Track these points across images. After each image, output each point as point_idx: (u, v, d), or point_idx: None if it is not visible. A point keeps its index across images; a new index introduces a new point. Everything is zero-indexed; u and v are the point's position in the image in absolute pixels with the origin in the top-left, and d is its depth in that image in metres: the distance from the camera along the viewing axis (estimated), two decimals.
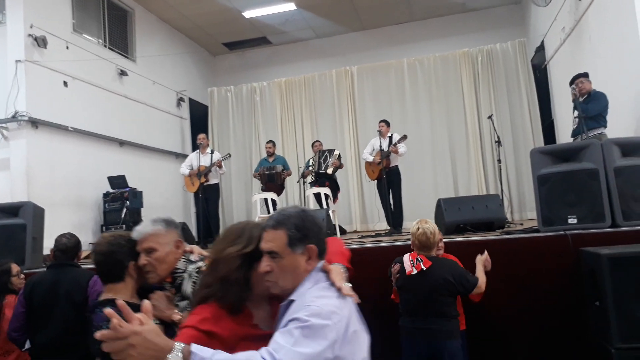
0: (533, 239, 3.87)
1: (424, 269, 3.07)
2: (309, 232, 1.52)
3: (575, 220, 3.68)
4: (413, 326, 3.09)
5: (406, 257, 3.19)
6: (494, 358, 3.78)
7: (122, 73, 8.35)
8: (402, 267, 3.17)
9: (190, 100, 10.44)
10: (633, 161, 3.68)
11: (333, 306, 1.38)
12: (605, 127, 5.22)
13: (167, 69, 9.73)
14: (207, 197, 7.29)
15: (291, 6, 9.44)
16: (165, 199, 8.99)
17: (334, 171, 7.47)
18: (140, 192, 7.67)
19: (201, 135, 7.69)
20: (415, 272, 3.08)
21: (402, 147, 6.78)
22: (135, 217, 7.35)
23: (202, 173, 7.21)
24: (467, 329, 3.39)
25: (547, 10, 7.53)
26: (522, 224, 6.25)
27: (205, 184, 7.27)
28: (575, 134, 5.51)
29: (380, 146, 6.86)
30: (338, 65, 10.09)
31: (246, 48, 11.36)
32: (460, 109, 9.12)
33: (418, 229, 3.19)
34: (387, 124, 7.14)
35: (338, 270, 1.55)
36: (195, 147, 8.59)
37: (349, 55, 10.53)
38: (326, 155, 7.49)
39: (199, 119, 10.46)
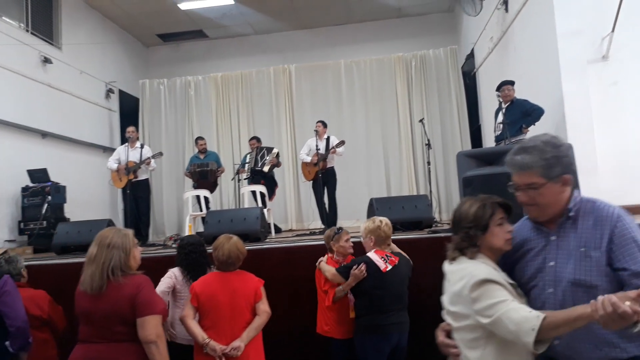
0: None
1: (397, 263, 3.16)
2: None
3: None
4: (388, 322, 3.13)
5: (374, 256, 3.20)
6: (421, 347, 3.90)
7: (46, 60, 7.86)
8: (372, 266, 3.16)
9: (121, 92, 10.01)
10: None
11: None
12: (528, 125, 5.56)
13: (95, 59, 9.27)
14: (136, 194, 6.99)
15: (229, 0, 9.29)
16: (90, 194, 8.55)
17: (271, 169, 7.43)
18: (64, 187, 7.26)
19: (130, 128, 7.37)
20: (390, 267, 3.13)
21: (340, 149, 6.89)
22: (57, 213, 6.95)
23: (130, 169, 6.92)
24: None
25: (477, 19, 7.90)
26: (449, 224, 6.51)
27: (134, 180, 6.97)
28: (498, 139, 5.82)
29: (317, 147, 6.90)
30: (276, 63, 10.05)
31: (181, 40, 11.05)
32: (394, 112, 9.37)
33: (381, 222, 3.23)
34: (324, 124, 7.20)
35: None
36: (124, 140, 8.25)
37: (287, 53, 10.52)
38: (264, 152, 7.43)
39: (130, 111, 10.05)
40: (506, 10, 7.02)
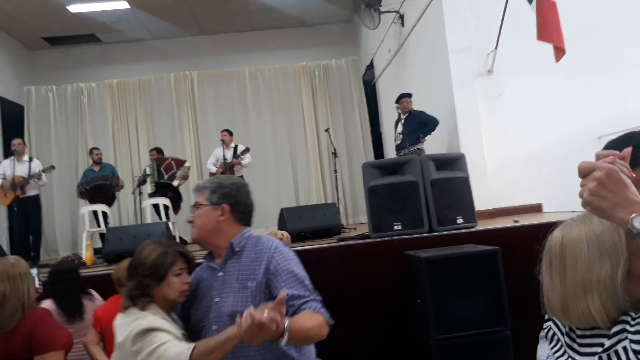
0: (364, 244, 4.17)
1: None
2: None
3: (400, 227, 4.08)
4: None
5: None
6: (326, 355, 3.98)
7: None
8: None
9: (1, 99, 9.09)
10: (445, 174, 4.22)
11: None
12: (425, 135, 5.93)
13: None
14: (25, 211, 6.41)
15: (124, 4, 8.85)
16: None
17: (180, 184, 7.17)
18: None
19: (16, 141, 6.75)
20: None
21: (246, 159, 6.83)
22: None
23: (17, 184, 6.33)
24: None
25: (376, 32, 8.27)
26: (355, 228, 6.73)
27: (22, 196, 6.39)
28: (399, 148, 6.15)
29: (224, 156, 6.81)
30: (176, 70, 9.73)
31: (71, 44, 10.29)
32: (300, 121, 9.50)
33: (282, 234, 3.26)
34: (230, 133, 7.13)
35: None
36: (7, 153, 7.52)
37: (189, 59, 10.22)
38: (171, 163, 7.10)
39: (13, 121, 9.13)
40: (402, 24, 7.43)
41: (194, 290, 1.90)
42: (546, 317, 1.15)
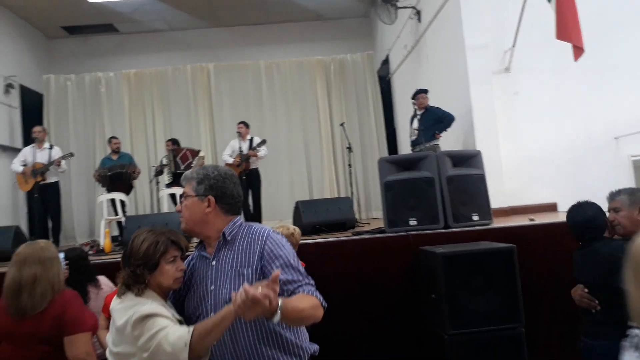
0: (380, 239, 4.21)
1: None
2: None
3: (415, 222, 4.12)
4: None
5: None
6: (339, 349, 4.05)
7: None
8: None
9: (22, 87, 9.23)
10: (461, 171, 4.26)
11: None
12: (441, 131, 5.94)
13: None
14: (45, 197, 6.54)
15: None
16: None
17: None
18: None
19: (37, 128, 6.87)
20: None
21: (262, 151, 6.90)
22: None
23: (38, 171, 6.46)
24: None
25: (392, 27, 8.26)
26: (368, 223, 6.76)
27: (42, 182, 6.53)
28: (414, 144, 6.17)
29: (240, 148, 6.88)
30: (193, 61, 9.78)
31: (89, 34, 10.40)
32: (314, 114, 9.52)
33: (295, 230, 3.30)
34: (247, 125, 7.19)
35: None
36: (27, 140, 7.65)
37: (205, 51, 10.28)
38: (186, 154, 7.20)
39: (32, 108, 9.28)
40: (419, 20, 7.43)
41: (186, 280, 1.93)
42: (632, 325, 1.11)
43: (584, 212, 2.60)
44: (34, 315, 2.32)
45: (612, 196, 2.61)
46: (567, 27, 4.65)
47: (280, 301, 1.50)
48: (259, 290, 1.43)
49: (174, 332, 1.65)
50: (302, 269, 1.84)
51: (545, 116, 5.76)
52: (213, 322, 1.62)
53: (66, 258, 2.96)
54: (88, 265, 3.18)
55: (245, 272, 1.78)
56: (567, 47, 4.67)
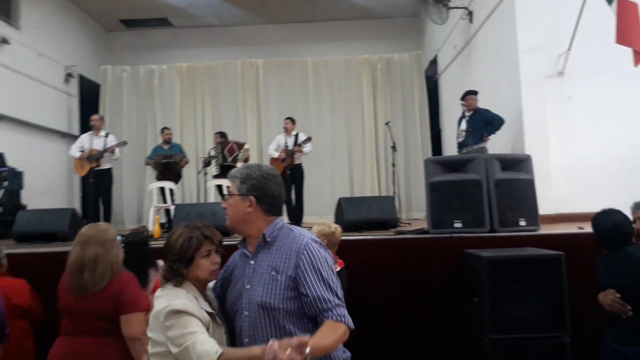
0: (423, 239, 4.21)
1: (340, 268, 3.19)
2: None
3: (460, 225, 4.10)
4: None
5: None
6: (376, 349, 4.07)
7: (4, 41, 7.53)
8: None
9: (81, 76, 9.69)
10: (510, 175, 4.20)
11: None
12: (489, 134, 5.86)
13: (55, 41, 8.93)
14: (99, 183, 6.86)
15: None
16: (48, 181, 8.28)
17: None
18: (21, 173, 6.99)
19: (95, 116, 7.20)
20: (338, 268, 3.23)
21: (307, 147, 6.99)
22: (13, 200, 6.71)
23: (93, 157, 6.78)
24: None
25: (442, 27, 8.18)
26: (410, 224, 6.74)
27: (97, 168, 6.84)
28: (461, 146, 6.10)
29: (285, 143, 7.00)
30: (242, 56, 10.01)
31: (145, 27, 10.79)
32: (359, 113, 9.54)
33: (336, 229, 3.32)
34: (293, 121, 7.30)
35: None
36: (84, 127, 8.03)
37: (254, 47, 10.49)
38: (233, 147, 7.39)
39: (90, 97, 9.74)
40: (470, 21, 7.33)
41: (229, 274, 2.00)
42: None
43: (611, 219, 2.58)
44: (94, 293, 2.48)
45: (637, 206, 2.59)
46: (628, 31, 4.50)
47: (307, 350, 1.53)
48: (287, 353, 1.48)
49: (202, 342, 1.71)
50: (334, 283, 1.84)
51: (598, 123, 5.58)
52: (240, 356, 1.69)
53: (128, 243, 3.08)
54: (148, 250, 3.28)
55: (279, 279, 1.81)
56: (627, 52, 4.52)
